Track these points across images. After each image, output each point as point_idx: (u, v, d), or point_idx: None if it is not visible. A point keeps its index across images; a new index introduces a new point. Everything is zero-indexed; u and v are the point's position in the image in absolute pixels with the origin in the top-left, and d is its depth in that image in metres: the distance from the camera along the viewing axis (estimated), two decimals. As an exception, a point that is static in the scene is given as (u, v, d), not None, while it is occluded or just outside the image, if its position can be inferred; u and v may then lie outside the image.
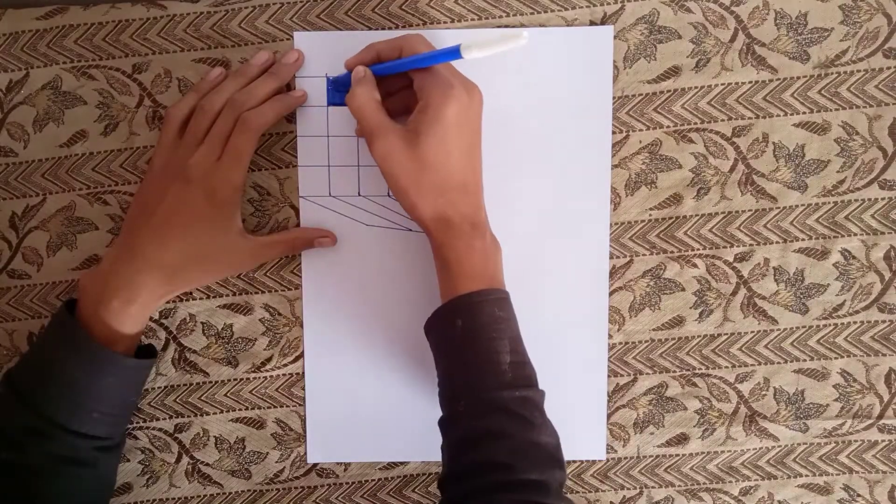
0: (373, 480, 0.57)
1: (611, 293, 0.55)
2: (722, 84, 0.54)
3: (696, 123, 0.55)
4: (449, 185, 0.47)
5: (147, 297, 0.50)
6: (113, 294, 0.49)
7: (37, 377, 0.48)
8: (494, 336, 0.46)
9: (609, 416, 0.56)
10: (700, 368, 0.56)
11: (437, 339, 0.49)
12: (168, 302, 0.55)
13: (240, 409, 0.56)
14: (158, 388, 0.56)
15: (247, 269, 0.55)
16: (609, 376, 0.56)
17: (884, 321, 0.56)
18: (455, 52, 0.45)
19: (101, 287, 0.49)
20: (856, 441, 0.56)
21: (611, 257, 0.55)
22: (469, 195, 0.48)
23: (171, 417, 0.56)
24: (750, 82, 0.54)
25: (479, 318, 0.46)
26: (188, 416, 0.56)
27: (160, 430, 0.56)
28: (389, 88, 0.51)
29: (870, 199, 0.55)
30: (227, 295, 0.55)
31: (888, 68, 0.54)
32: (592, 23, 0.54)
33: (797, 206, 0.55)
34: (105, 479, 0.52)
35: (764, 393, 0.56)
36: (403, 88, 0.51)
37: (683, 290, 0.56)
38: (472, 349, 0.46)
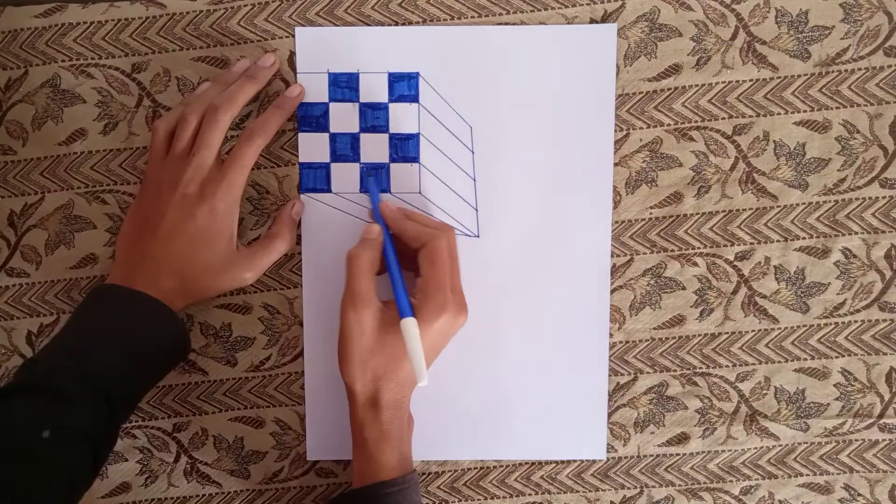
0: (372, 480, 0.57)
1: (611, 292, 0.55)
2: (722, 82, 0.54)
3: (696, 121, 0.54)
4: (390, 374, 0.48)
5: None
6: None
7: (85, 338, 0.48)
8: None
9: (609, 415, 0.56)
10: (700, 367, 0.56)
11: None
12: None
13: (239, 408, 0.56)
14: (157, 387, 0.55)
15: (247, 283, 0.53)
16: (609, 375, 0.56)
17: (884, 320, 0.56)
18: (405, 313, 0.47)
19: None
20: (856, 440, 0.56)
21: (611, 256, 0.55)
22: (405, 386, 0.49)
23: (169, 416, 0.56)
24: (750, 80, 0.54)
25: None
26: (187, 416, 0.56)
27: (158, 429, 0.56)
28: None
29: (870, 198, 0.55)
30: (226, 294, 0.55)
31: (889, 66, 0.54)
32: (593, 20, 0.54)
33: (798, 204, 0.55)
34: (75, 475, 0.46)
35: (764, 392, 0.56)
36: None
37: (684, 288, 0.56)
38: None
